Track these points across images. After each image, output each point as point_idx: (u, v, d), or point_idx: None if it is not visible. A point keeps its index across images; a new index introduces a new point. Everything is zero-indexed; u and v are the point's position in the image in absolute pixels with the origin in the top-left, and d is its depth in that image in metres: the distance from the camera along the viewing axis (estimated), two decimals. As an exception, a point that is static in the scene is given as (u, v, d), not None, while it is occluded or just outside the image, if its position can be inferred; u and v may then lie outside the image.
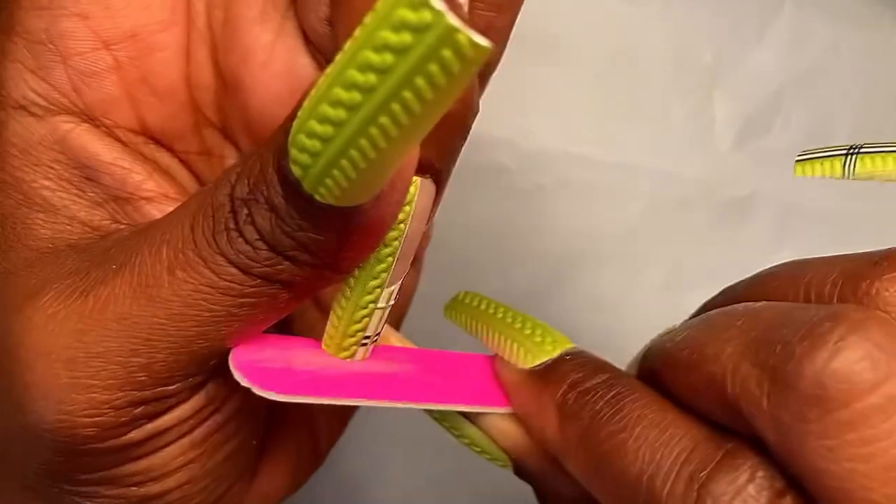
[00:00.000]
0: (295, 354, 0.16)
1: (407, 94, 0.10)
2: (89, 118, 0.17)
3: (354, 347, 0.16)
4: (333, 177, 0.12)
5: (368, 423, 0.33)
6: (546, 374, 0.18)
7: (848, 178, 0.19)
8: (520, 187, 0.32)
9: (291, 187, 0.13)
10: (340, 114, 0.11)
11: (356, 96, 0.11)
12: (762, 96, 0.34)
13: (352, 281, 0.16)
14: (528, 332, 0.19)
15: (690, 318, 0.19)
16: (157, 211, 0.17)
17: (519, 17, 0.34)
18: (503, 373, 0.19)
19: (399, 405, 0.17)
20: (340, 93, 0.11)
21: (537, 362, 0.18)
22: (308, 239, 0.14)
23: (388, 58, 0.10)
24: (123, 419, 0.15)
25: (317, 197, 0.13)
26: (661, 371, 0.17)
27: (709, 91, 0.34)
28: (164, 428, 0.16)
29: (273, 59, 0.17)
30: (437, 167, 0.15)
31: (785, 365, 0.13)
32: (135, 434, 0.15)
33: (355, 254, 0.14)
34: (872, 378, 0.13)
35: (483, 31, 0.18)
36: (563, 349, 0.18)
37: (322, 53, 0.18)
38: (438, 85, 0.10)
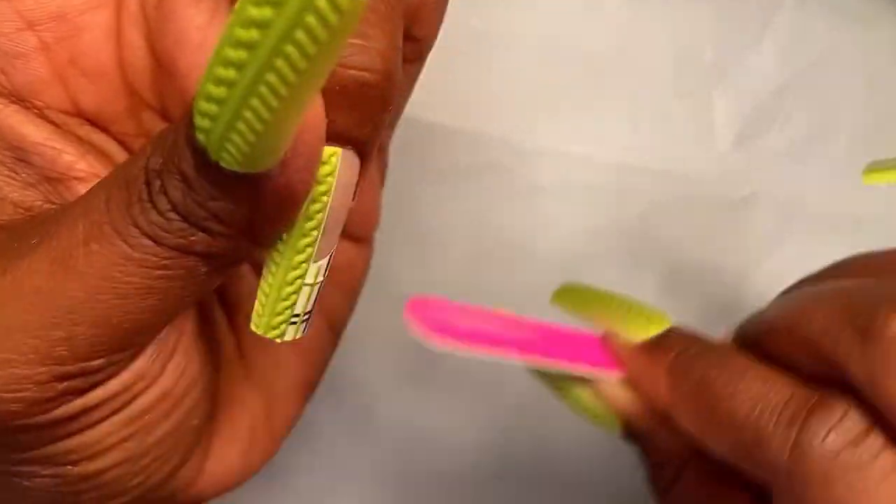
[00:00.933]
0: (450, 314, 0.20)
1: (289, 49, 0.10)
2: (19, 100, 0.17)
3: (284, 326, 0.16)
4: (233, 141, 0.12)
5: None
6: (656, 344, 0.21)
7: None
8: (520, 187, 0.32)
9: (200, 156, 0.13)
10: (231, 73, 0.11)
11: (242, 54, 0.11)
12: (762, 96, 0.34)
13: (277, 256, 0.15)
14: (636, 311, 0.22)
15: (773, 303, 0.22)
16: None
17: (519, 17, 0.34)
18: (616, 346, 0.22)
19: (530, 362, 0.20)
20: (230, 52, 0.11)
21: (648, 335, 0.21)
22: (220, 208, 0.14)
23: (267, 11, 0.10)
24: (48, 395, 0.15)
25: (222, 164, 0.13)
26: (758, 337, 0.20)
27: (709, 91, 0.34)
28: (93, 404, 0.16)
29: (208, 40, 0.17)
30: (358, 138, 0.15)
31: (873, 323, 0.17)
32: (63, 410, 0.15)
33: (271, 224, 0.14)
34: None
35: (416, 11, 0.19)
36: (666, 326, 0.21)
37: None
38: (318, 38, 0.10)
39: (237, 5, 0.11)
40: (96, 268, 0.14)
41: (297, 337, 0.17)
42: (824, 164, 0.35)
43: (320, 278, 0.16)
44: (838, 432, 0.17)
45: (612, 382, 0.22)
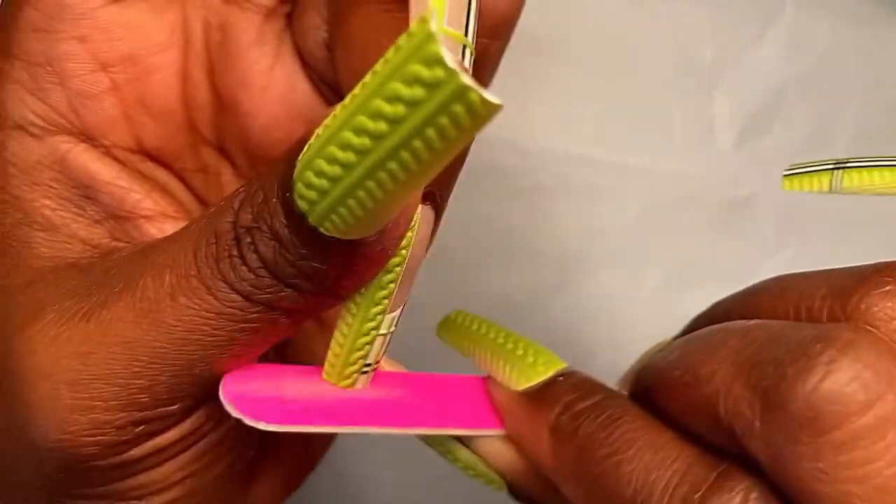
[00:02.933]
0: (285, 384, 0.16)
1: (417, 144, 0.11)
2: (87, 138, 0.17)
3: (356, 375, 0.16)
4: (340, 214, 0.12)
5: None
6: (539, 395, 0.18)
7: (835, 192, 0.19)
8: (520, 187, 0.32)
9: (295, 218, 0.13)
10: (350, 157, 0.11)
11: (366, 142, 0.11)
12: (763, 96, 0.34)
13: (354, 308, 0.16)
14: (520, 352, 0.19)
15: (682, 334, 0.19)
16: (155, 229, 0.17)
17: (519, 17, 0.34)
18: (496, 394, 0.19)
19: (391, 432, 0.17)
20: (351, 137, 0.11)
21: (530, 384, 0.18)
22: (311, 268, 0.14)
23: (400, 109, 0.10)
24: (125, 438, 0.15)
25: (321, 230, 0.13)
26: (654, 391, 0.17)
27: (709, 91, 0.34)
28: (165, 445, 0.16)
29: (271, 83, 0.17)
30: (436, 195, 0.15)
31: (777, 387, 0.14)
32: (136, 451, 0.16)
33: (356, 282, 0.15)
34: (864, 399, 0.13)
35: (479, 56, 0.19)
36: (555, 370, 0.18)
37: (319, 77, 0.18)
38: (448, 137, 0.10)
39: (359, 92, 0.11)
40: (184, 321, 0.14)
41: (366, 385, 0.17)
42: (824, 165, 0.35)
43: (393, 328, 0.16)
44: None
45: (493, 438, 0.19)
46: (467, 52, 0.14)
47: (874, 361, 0.13)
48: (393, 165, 0.11)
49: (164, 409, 0.15)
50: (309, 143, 0.12)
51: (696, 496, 0.15)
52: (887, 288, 0.15)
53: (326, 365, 0.16)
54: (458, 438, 0.19)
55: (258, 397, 0.15)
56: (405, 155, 0.11)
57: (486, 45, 0.17)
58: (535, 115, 0.32)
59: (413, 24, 0.10)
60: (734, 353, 0.15)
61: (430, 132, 0.10)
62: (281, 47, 0.18)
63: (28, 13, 0.16)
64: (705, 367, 0.15)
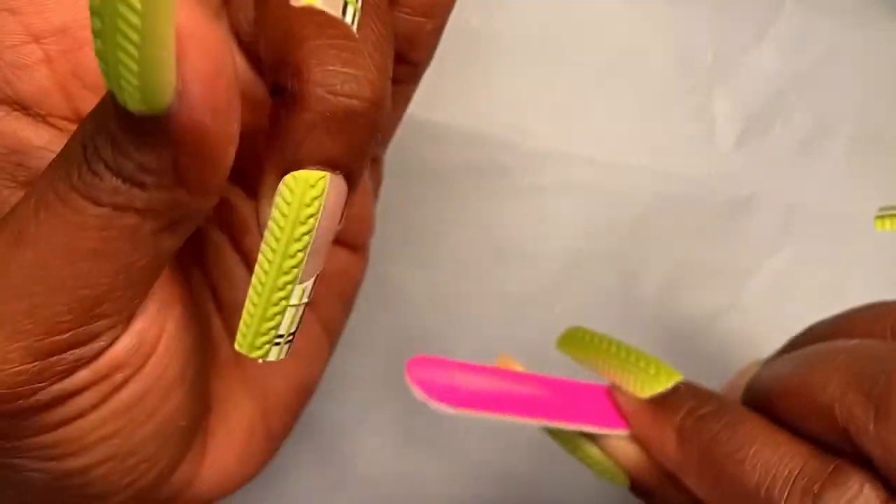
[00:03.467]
0: (456, 374, 0.19)
1: None
2: (22, 108, 0.17)
3: (268, 346, 0.16)
4: (122, 74, 0.13)
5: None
6: (664, 402, 0.21)
7: None
8: (520, 187, 0.32)
9: (118, 108, 0.13)
10: (97, 22, 0.12)
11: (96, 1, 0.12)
12: (763, 96, 0.34)
13: (262, 276, 0.16)
14: (642, 365, 0.21)
15: (782, 353, 0.22)
16: None
17: (518, 17, 0.34)
18: (622, 401, 0.22)
19: (537, 423, 0.20)
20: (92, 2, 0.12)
21: (654, 392, 0.21)
22: (145, 159, 0.14)
23: None
24: (23, 377, 0.15)
25: (128, 107, 0.13)
26: (769, 398, 0.20)
27: (709, 91, 0.34)
28: (72, 390, 0.16)
29: None
30: (346, 164, 0.15)
31: (888, 394, 0.17)
32: (42, 395, 0.16)
33: (196, 167, 0.15)
34: None
35: (411, 36, 0.19)
36: (675, 380, 0.21)
37: (251, 54, 0.18)
38: None
39: None
40: (45, 235, 0.15)
41: (281, 357, 0.17)
42: (825, 165, 0.35)
43: (305, 300, 0.16)
44: None
45: (619, 438, 0.21)
46: (349, 8, 0.14)
47: None
48: (124, 10, 0.11)
49: (52, 338, 0.15)
50: None
51: (816, 486, 0.17)
52: None
53: (238, 334, 0.16)
54: (588, 436, 0.22)
55: (437, 384, 0.18)
56: (122, 7, 0.11)
57: (420, 23, 0.18)
58: (535, 115, 0.32)
59: None
60: (845, 366, 0.18)
61: None
62: (217, 24, 0.18)
63: None
64: (819, 377, 0.18)
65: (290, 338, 0.17)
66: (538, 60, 0.32)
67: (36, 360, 0.15)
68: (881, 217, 0.22)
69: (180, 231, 0.16)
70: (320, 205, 0.15)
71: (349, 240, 0.23)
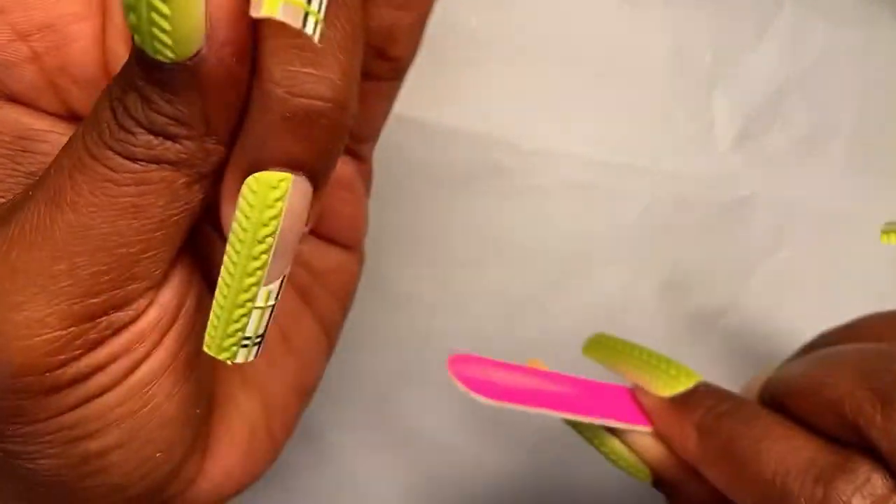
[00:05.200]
0: (491, 371, 0.21)
1: None
2: (16, 103, 0.17)
3: (235, 348, 0.16)
4: (154, 20, 0.13)
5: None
6: (684, 400, 0.22)
7: None
8: (520, 187, 0.32)
9: (148, 66, 0.14)
10: None
11: None
12: (762, 96, 0.34)
13: (228, 278, 0.16)
14: (664, 367, 0.23)
15: (794, 358, 0.24)
16: None
17: (518, 17, 0.34)
18: (645, 400, 0.23)
19: (568, 416, 0.22)
20: None
21: (676, 391, 0.22)
22: (175, 111, 0.14)
23: None
24: (56, 343, 0.15)
25: (158, 57, 0.14)
26: (784, 397, 0.21)
27: (709, 91, 0.34)
28: (96, 364, 0.16)
29: None
30: (310, 165, 0.15)
31: (894, 389, 0.18)
32: (71, 370, 0.16)
33: (220, 111, 0.15)
34: None
35: (388, 32, 0.19)
36: (695, 381, 0.22)
37: None
38: None
39: None
40: (83, 195, 0.15)
41: (249, 360, 0.17)
42: (823, 165, 0.35)
43: (271, 301, 0.16)
44: (864, 493, 0.18)
45: (642, 434, 0.23)
46: (310, 18, 0.14)
47: None
48: None
49: (91, 299, 0.16)
50: None
51: (828, 473, 0.18)
52: None
53: (206, 335, 0.16)
54: (612, 431, 0.23)
55: (477, 379, 0.20)
56: None
57: (397, 17, 0.19)
58: (535, 115, 0.32)
59: None
60: (854, 366, 0.19)
61: None
62: None
63: None
64: (831, 377, 0.19)
65: (259, 339, 0.17)
66: (537, 60, 0.32)
67: (72, 325, 0.15)
68: (888, 232, 0.23)
69: (206, 184, 0.16)
70: (282, 207, 0.15)
71: (342, 239, 0.23)
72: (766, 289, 0.35)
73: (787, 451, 0.19)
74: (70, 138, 0.16)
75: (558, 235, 0.33)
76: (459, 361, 0.21)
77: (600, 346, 0.25)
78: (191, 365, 0.18)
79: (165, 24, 0.13)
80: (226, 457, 0.20)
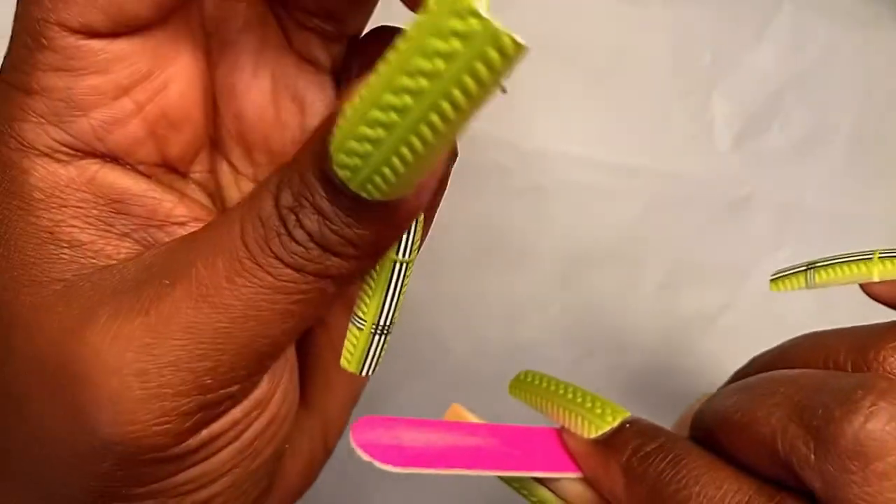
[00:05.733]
0: (401, 433, 0.19)
1: (456, 93, 0.12)
2: (113, 159, 0.17)
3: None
4: (383, 175, 0.13)
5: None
6: (609, 442, 0.20)
7: (811, 288, 0.23)
8: (520, 187, 0.32)
9: (335, 189, 0.15)
10: (392, 117, 0.12)
11: (407, 100, 0.12)
12: (761, 96, 0.34)
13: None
14: (588, 405, 0.21)
15: (728, 385, 0.22)
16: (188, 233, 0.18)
17: (518, 17, 0.34)
18: (571, 443, 0.21)
19: (487, 474, 0.20)
20: (391, 98, 0.12)
21: (600, 432, 0.21)
22: (354, 235, 0.15)
23: (439, 63, 0.11)
24: (187, 425, 0.16)
25: (363, 195, 0.14)
26: (713, 432, 0.19)
27: (708, 91, 0.34)
28: (219, 433, 0.17)
29: (260, 62, 0.18)
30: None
31: (827, 426, 0.17)
32: (194, 441, 0.16)
33: (392, 240, 0.16)
34: None
35: None
36: (621, 419, 0.21)
37: (307, 53, 0.19)
38: (484, 82, 0.11)
39: (393, 57, 0.12)
40: (242, 299, 0.15)
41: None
42: (823, 165, 0.35)
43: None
44: None
45: (571, 481, 0.21)
46: (405, 268, 0.16)
47: None
48: (434, 118, 0.12)
49: (225, 390, 0.16)
50: (341, 115, 0.13)
51: None
52: None
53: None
54: (540, 480, 0.21)
55: (383, 445, 0.18)
56: (445, 106, 0.12)
57: None
58: (535, 115, 0.32)
59: None
60: (786, 398, 0.18)
61: (468, 80, 0.11)
62: (266, 29, 0.18)
63: (47, 56, 0.16)
64: (761, 409, 0.18)
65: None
66: (538, 61, 0.32)
67: (202, 411, 0.16)
68: (775, 279, 0.23)
69: (348, 288, 0.16)
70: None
71: None
72: (763, 288, 0.35)
73: (716, 497, 0.18)
74: (216, 231, 0.16)
75: (558, 235, 0.33)
76: (363, 427, 0.18)
77: (525, 385, 0.23)
78: (293, 406, 0.19)
79: (391, 177, 0.13)
80: (290, 475, 0.21)
